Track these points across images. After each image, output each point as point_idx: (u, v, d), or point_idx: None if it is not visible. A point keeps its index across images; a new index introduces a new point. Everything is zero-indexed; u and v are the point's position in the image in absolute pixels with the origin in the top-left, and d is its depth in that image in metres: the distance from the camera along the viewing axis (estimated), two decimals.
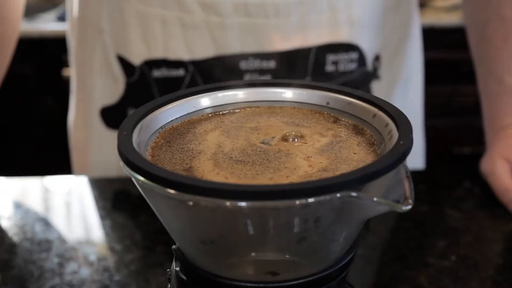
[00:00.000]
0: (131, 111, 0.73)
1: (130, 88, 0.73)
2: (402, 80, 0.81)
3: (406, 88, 0.82)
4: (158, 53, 0.69)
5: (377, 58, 0.76)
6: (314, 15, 0.69)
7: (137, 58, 0.71)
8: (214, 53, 0.69)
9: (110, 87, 0.75)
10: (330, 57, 0.71)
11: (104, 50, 0.73)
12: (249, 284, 0.31)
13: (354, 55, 0.72)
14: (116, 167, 0.77)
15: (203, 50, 0.69)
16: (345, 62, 0.72)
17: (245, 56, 0.69)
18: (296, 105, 0.39)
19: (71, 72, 0.82)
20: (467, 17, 0.75)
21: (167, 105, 0.37)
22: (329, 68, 0.71)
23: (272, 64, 0.70)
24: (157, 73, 0.70)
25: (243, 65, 0.69)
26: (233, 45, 0.68)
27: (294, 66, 0.70)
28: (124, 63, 0.72)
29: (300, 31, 0.69)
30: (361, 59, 0.73)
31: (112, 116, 0.76)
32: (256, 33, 0.68)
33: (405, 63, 0.81)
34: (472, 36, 0.74)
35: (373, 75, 0.76)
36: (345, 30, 0.71)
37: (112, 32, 0.72)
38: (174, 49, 0.69)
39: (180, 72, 0.69)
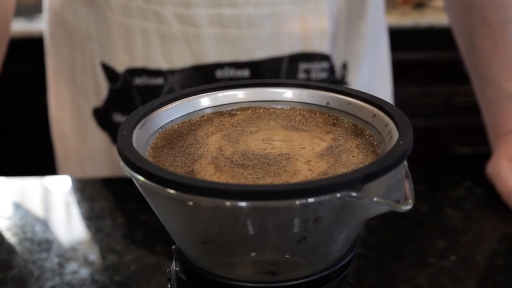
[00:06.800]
0: (115, 116, 0.75)
1: (113, 94, 0.75)
2: (369, 84, 0.82)
3: (373, 91, 0.83)
4: (139, 62, 0.72)
5: (344, 66, 0.78)
6: (286, 25, 0.71)
7: (120, 66, 0.73)
8: (191, 63, 0.71)
9: (94, 91, 0.77)
10: (302, 66, 0.74)
11: (91, 56, 0.75)
12: (249, 284, 0.31)
13: (325, 65, 0.74)
14: (104, 164, 0.79)
15: (180, 59, 0.71)
16: (317, 71, 0.74)
17: (220, 65, 0.71)
18: (296, 105, 0.39)
19: (50, 65, 0.83)
20: (452, 22, 0.75)
21: (167, 105, 0.37)
22: (301, 75, 0.74)
23: (246, 72, 0.72)
24: (138, 81, 0.73)
25: (219, 73, 0.72)
26: (209, 54, 0.71)
27: (268, 74, 0.73)
28: (108, 71, 0.74)
29: (273, 41, 0.71)
30: (331, 68, 0.76)
31: (99, 117, 0.78)
32: (230, 43, 0.71)
33: (371, 68, 0.83)
34: (460, 41, 0.74)
35: (342, 82, 0.78)
36: (316, 40, 0.73)
37: (99, 40, 0.74)
38: (153, 58, 0.71)
39: (159, 80, 0.72)
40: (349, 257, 0.33)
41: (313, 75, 0.74)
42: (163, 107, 0.36)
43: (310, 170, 0.31)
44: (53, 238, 0.60)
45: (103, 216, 0.64)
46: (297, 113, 0.39)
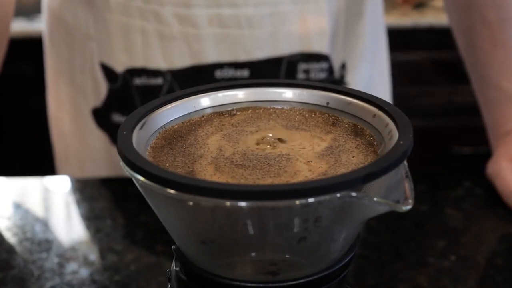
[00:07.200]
0: (114, 116, 0.75)
1: (113, 94, 0.75)
2: (368, 84, 0.82)
3: (372, 91, 0.83)
4: (138, 62, 0.72)
5: (343, 66, 0.78)
6: (286, 26, 0.71)
7: (120, 66, 0.73)
8: (190, 63, 0.71)
9: (94, 91, 0.77)
10: (302, 66, 0.74)
11: (91, 56, 0.75)
12: (249, 284, 0.31)
13: (324, 65, 0.75)
14: (104, 164, 0.80)
15: (180, 60, 0.71)
16: (316, 71, 0.74)
17: (220, 65, 0.71)
18: (296, 105, 0.39)
19: (50, 65, 0.83)
20: (452, 22, 0.75)
21: (167, 105, 0.37)
22: (301, 76, 0.74)
23: (245, 72, 0.72)
24: (138, 81, 0.73)
25: (218, 73, 0.72)
26: (209, 54, 0.71)
27: (267, 74, 0.73)
28: (107, 71, 0.74)
29: (272, 41, 0.71)
30: (330, 69, 0.76)
31: (98, 117, 0.78)
32: (230, 43, 0.71)
33: (370, 68, 0.83)
34: (460, 42, 0.74)
35: (340, 82, 0.78)
36: (316, 40, 0.73)
37: (99, 40, 0.74)
38: (153, 58, 0.71)
39: (159, 80, 0.72)
40: (349, 257, 0.33)
41: (312, 75, 0.74)
42: (163, 107, 0.36)
43: (310, 170, 0.31)
44: (53, 238, 0.60)
45: (103, 216, 0.64)
46: (297, 113, 0.39)
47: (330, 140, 0.35)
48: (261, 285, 0.31)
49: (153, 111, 0.36)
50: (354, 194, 0.27)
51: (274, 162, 0.32)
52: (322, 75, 0.75)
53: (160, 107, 0.36)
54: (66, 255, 0.57)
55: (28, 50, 1.54)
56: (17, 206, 0.67)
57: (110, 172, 0.79)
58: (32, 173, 0.76)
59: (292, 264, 0.31)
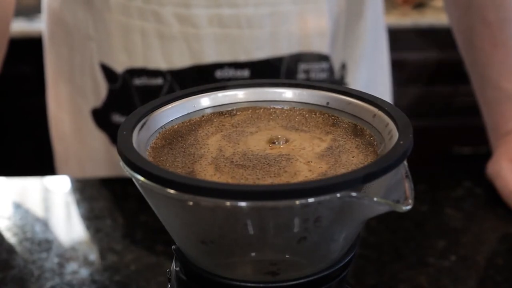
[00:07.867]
0: (114, 116, 0.75)
1: (112, 94, 0.75)
2: (368, 85, 0.82)
3: (372, 91, 0.83)
4: (138, 62, 0.72)
5: (343, 67, 0.78)
6: (285, 26, 0.71)
7: (120, 66, 0.73)
8: (190, 63, 0.71)
9: (94, 92, 0.77)
10: (302, 66, 0.74)
11: (90, 57, 0.75)
12: (249, 284, 0.31)
13: (325, 65, 0.75)
14: (104, 164, 0.80)
15: (180, 60, 0.71)
16: (316, 71, 0.74)
17: (220, 65, 0.71)
18: (296, 105, 0.39)
19: (49, 65, 0.83)
20: (452, 22, 0.75)
21: (167, 105, 0.37)
22: (301, 76, 0.74)
23: (246, 72, 0.72)
24: (137, 81, 0.73)
25: (218, 73, 0.72)
26: (209, 54, 0.71)
27: (267, 74, 0.73)
28: (107, 71, 0.74)
29: (272, 41, 0.71)
30: (331, 69, 0.76)
31: (98, 118, 0.78)
32: (230, 43, 0.71)
33: (370, 69, 0.83)
34: (460, 41, 0.74)
35: (341, 82, 0.78)
36: (316, 40, 0.73)
37: (98, 40, 0.74)
38: (153, 59, 0.71)
39: (159, 81, 0.72)
40: (349, 257, 0.33)
41: (313, 75, 0.74)
42: (163, 107, 0.36)
43: (310, 170, 0.31)
44: (53, 238, 0.60)
45: (103, 216, 0.64)
46: (297, 113, 0.39)
47: (330, 140, 0.35)
48: (261, 285, 0.31)
49: (153, 111, 0.36)
50: (354, 194, 0.27)
51: (274, 162, 0.32)
52: (322, 75, 0.75)
53: (160, 107, 0.36)
54: (66, 255, 0.57)
55: (28, 50, 1.54)
56: (17, 206, 0.67)
57: (110, 172, 0.79)
58: (32, 173, 0.76)
59: (292, 264, 0.31)
